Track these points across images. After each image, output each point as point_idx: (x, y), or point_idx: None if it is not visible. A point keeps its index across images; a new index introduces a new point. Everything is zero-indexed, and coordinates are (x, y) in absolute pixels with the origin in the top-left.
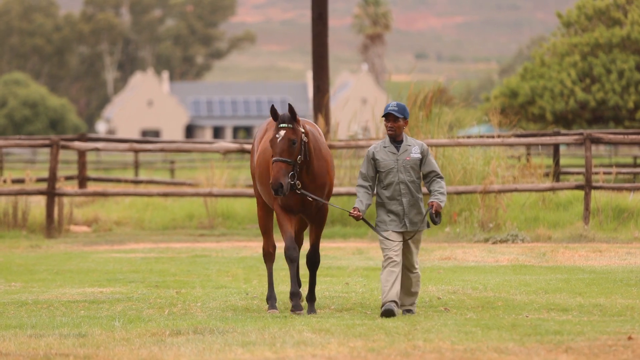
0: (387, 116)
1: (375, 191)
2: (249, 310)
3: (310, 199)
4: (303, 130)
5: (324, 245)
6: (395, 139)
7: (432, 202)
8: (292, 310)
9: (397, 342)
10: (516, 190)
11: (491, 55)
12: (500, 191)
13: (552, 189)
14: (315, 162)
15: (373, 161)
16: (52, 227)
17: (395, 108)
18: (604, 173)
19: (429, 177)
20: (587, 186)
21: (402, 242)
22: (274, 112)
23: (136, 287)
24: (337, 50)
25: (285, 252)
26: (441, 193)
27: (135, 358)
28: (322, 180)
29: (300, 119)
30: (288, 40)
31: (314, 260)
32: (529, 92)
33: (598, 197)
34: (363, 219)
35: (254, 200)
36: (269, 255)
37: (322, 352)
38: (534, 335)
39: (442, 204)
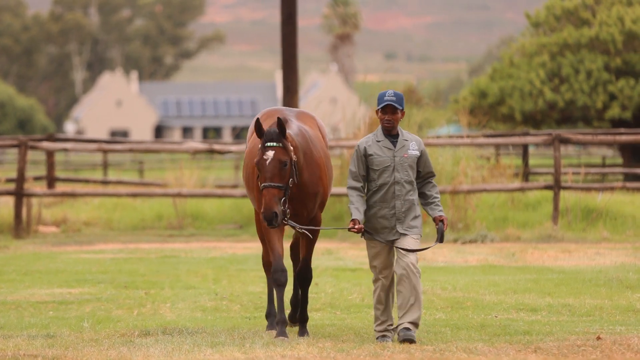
0: (385, 108)
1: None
2: (219, 311)
3: (299, 230)
4: (292, 146)
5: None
6: (390, 133)
7: (441, 217)
8: (275, 337)
9: (367, 343)
10: (485, 190)
11: (461, 56)
12: (469, 191)
13: (521, 189)
14: (305, 171)
15: (364, 157)
16: (20, 227)
17: (394, 98)
18: (573, 173)
19: (426, 177)
20: (556, 186)
21: (391, 258)
22: (258, 127)
23: (105, 287)
24: (306, 50)
25: (273, 275)
26: (439, 202)
27: (104, 359)
28: (314, 190)
29: (290, 113)
30: (258, 40)
31: (305, 277)
32: (498, 93)
33: (567, 198)
34: (366, 230)
35: (223, 201)
36: (269, 265)
37: (291, 352)
38: (503, 336)
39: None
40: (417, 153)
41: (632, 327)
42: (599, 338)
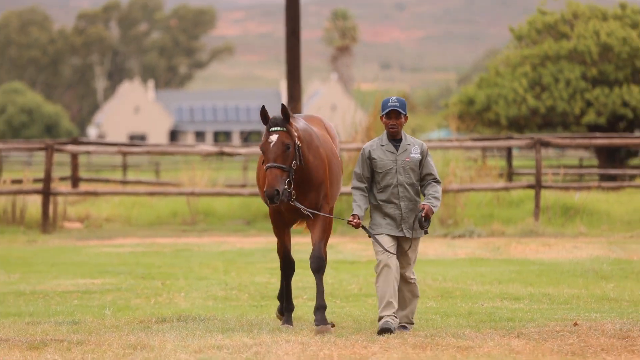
0: (389, 113)
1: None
2: (228, 300)
3: (304, 211)
4: (296, 134)
5: (295, 240)
6: (394, 137)
7: (423, 205)
8: (282, 324)
9: (364, 329)
10: (473, 189)
11: (450, 66)
12: (458, 190)
13: (506, 188)
14: (308, 159)
15: (369, 160)
16: (47, 223)
17: (397, 103)
18: (553, 174)
19: (425, 180)
20: (537, 186)
21: (395, 247)
22: (264, 114)
23: (124, 278)
24: (309, 60)
25: (281, 266)
26: (435, 197)
27: (124, 343)
28: (317, 179)
29: (297, 116)
30: (264, 51)
31: (318, 263)
32: (484, 100)
33: (547, 196)
34: (362, 226)
35: (233, 199)
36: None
37: (295, 337)
38: (488, 322)
39: (435, 209)
40: (419, 157)
41: (606, 314)
42: (576, 324)
